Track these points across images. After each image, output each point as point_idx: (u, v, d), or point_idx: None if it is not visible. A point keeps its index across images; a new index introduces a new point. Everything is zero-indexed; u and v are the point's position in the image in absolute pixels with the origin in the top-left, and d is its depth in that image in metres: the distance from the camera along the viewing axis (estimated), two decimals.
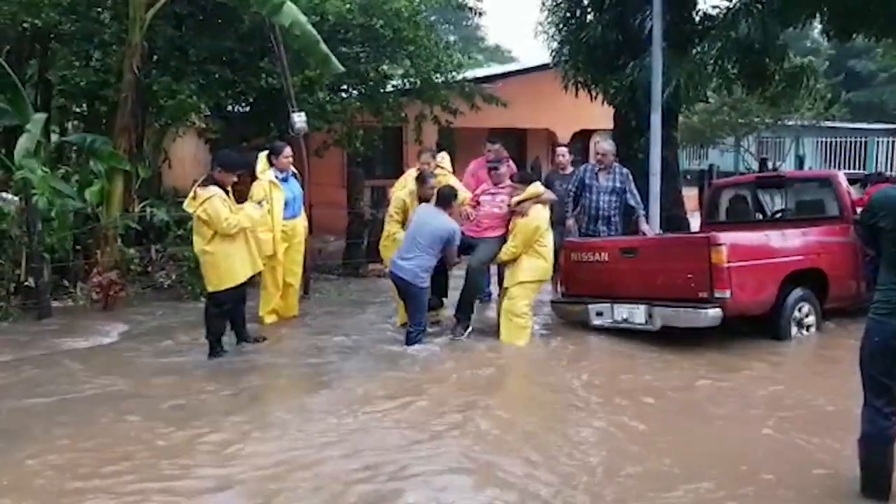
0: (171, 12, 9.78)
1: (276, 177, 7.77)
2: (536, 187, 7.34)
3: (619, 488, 4.09)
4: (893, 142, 23.08)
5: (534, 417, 5.39)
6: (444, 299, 7.95)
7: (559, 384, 6.08)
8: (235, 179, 6.86)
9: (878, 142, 23.66)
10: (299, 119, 9.19)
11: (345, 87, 12.06)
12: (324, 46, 9.00)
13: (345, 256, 11.86)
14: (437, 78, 11.94)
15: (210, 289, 6.82)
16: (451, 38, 12.92)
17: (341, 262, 11.78)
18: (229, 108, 11.50)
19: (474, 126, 13.87)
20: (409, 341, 6.98)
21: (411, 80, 12.14)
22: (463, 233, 7.29)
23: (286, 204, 7.86)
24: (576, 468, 4.34)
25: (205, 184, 6.63)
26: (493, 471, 4.28)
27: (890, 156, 23.16)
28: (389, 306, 8.66)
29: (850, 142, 24.33)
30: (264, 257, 7.52)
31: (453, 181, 8.25)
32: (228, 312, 6.92)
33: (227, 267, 6.70)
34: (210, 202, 6.50)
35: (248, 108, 11.67)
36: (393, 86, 12.55)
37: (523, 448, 4.64)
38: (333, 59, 9.10)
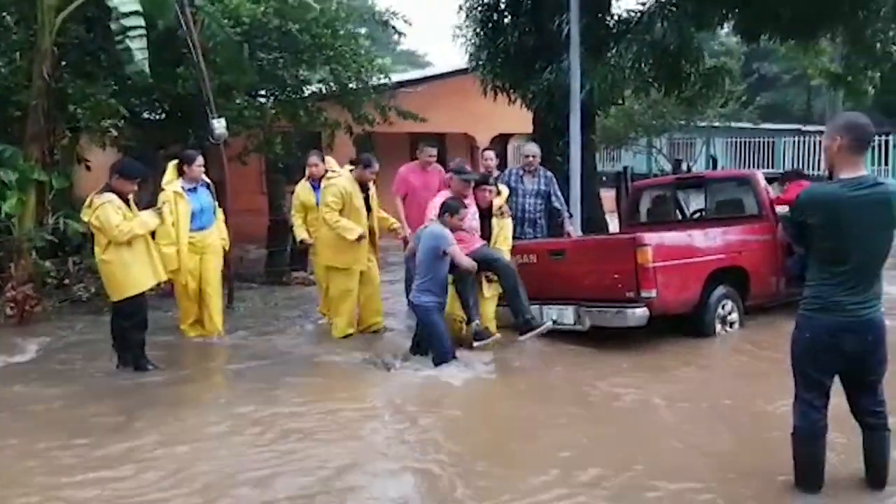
0: (81, 16, 9.41)
1: (184, 187, 7.53)
2: (504, 187, 7.63)
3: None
4: (800, 141, 23.95)
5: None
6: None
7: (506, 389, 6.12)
8: (135, 188, 6.70)
9: (785, 141, 24.51)
10: (219, 125, 8.97)
11: (263, 92, 11.84)
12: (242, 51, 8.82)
13: (267, 264, 11.63)
14: (357, 84, 11.81)
15: (112, 299, 6.63)
16: (366, 43, 12.71)
17: (264, 271, 11.55)
18: (144, 115, 11.16)
19: (392, 131, 13.80)
20: (434, 362, 6.50)
21: (330, 85, 11.99)
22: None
23: (193, 216, 7.58)
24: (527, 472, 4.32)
25: (102, 192, 6.46)
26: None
27: (797, 155, 24.02)
28: (315, 315, 8.66)
29: (759, 142, 25.15)
30: (169, 272, 7.34)
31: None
32: (143, 322, 6.70)
33: (123, 276, 6.50)
34: (102, 208, 6.34)
35: (163, 115, 11.34)
36: (311, 92, 12.37)
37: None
38: (246, 65, 8.95)
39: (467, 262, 6.60)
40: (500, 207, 7.37)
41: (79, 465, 4.51)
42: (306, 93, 12.08)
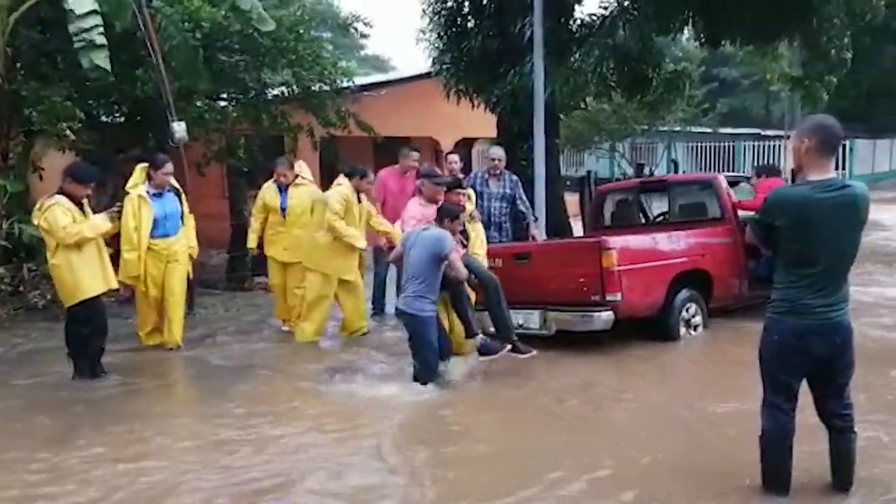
0: (35, 17, 9.21)
1: (149, 192, 7.35)
2: (471, 192, 7.62)
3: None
4: (759, 146, 24.30)
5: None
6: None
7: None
8: (89, 192, 6.59)
9: (744, 146, 24.88)
10: (179, 128, 8.82)
11: (224, 95, 11.69)
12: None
13: (228, 270, 11.48)
14: (321, 87, 11.71)
15: (65, 304, 6.49)
16: (329, 46, 12.63)
17: (225, 276, 11.40)
18: (102, 118, 10.94)
19: (356, 135, 13.71)
20: (416, 378, 6.14)
21: (293, 89, 11.87)
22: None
23: (157, 222, 7.37)
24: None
25: (54, 195, 6.35)
26: None
27: (756, 159, 24.37)
28: (276, 321, 8.63)
29: (719, 146, 25.49)
30: (130, 278, 7.26)
31: (314, 190, 8.26)
32: (102, 328, 6.57)
33: (72, 280, 6.35)
34: (50, 210, 6.22)
35: (122, 118, 11.13)
36: (274, 95, 12.24)
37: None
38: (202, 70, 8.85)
39: (464, 271, 6.31)
40: (472, 212, 7.27)
41: (14, 481, 4.36)
42: (268, 96, 11.94)
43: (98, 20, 8.19)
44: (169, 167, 7.47)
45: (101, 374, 6.52)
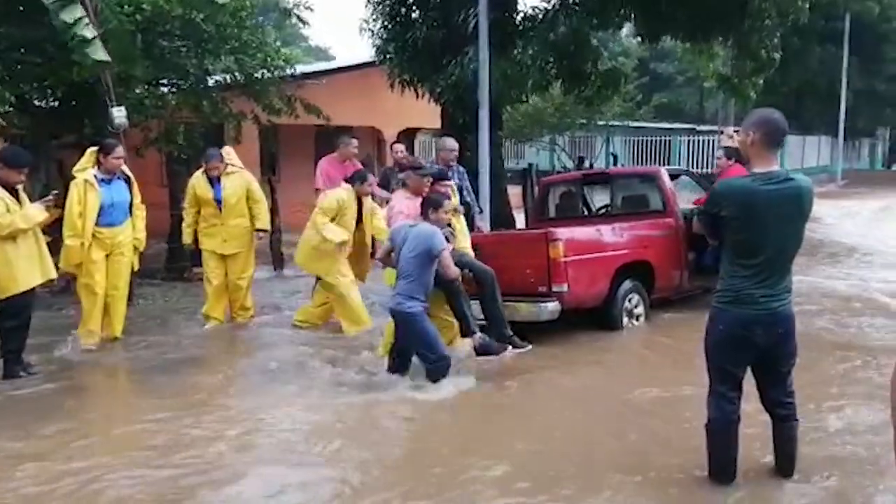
0: None
1: (97, 177, 7.06)
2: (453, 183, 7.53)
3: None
4: (693, 140, 24.83)
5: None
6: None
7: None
8: (23, 178, 6.32)
9: (680, 140, 25.39)
10: (119, 114, 8.57)
11: (164, 81, 11.43)
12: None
13: (168, 260, 11.26)
14: (263, 74, 11.55)
15: None
16: (272, 32, 12.48)
17: (164, 266, 11.17)
18: (36, 102, 10.59)
19: (298, 124, 13.57)
20: (429, 377, 5.85)
21: (235, 75, 11.69)
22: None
23: (102, 209, 7.06)
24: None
25: None
26: None
27: (691, 153, 24.90)
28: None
29: (656, 140, 25.97)
30: (72, 266, 7.01)
31: (247, 177, 8.16)
32: (28, 321, 6.30)
33: (9, 273, 6.07)
34: None
35: (56, 103, 10.79)
36: (215, 81, 12.03)
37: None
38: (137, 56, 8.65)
39: (454, 270, 6.10)
40: (455, 206, 7.02)
41: None
42: (210, 83, 11.73)
43: (81, 11, 7.90)
44: (119, 151, 7.20)
45: (19, 374, 6.21)
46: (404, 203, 6.67)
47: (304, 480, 4.21)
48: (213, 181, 7.99)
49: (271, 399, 5.65)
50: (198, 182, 8.04)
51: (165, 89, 11.44)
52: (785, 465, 4.02)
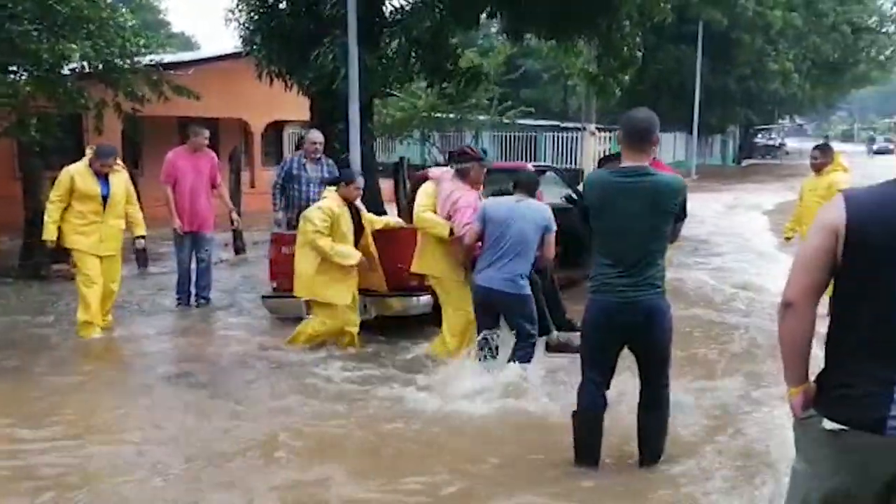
0: None
1: None
2: None
3: None
4: (558, 137, 25.55)
5: None
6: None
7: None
8: None
9: (545, 136, 26.07)
10: None
11: (14, 68, 10.74)
12: None
13: (23, 256, 10.62)
14: (122, 62, 11.05)
15: None
16: (131, 17, 11.93)
17: (18, 263, 10.55)
18: None
19: (162, 115, 13.12)
20: (522, 359, 5.68)
21: (92, 62, 11.12)
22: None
23: None
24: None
25: None
26: None
27: (556, 149, 25.61)
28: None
29: (523, 136, 26.55)
30: None
31: (126, 176, 7.79)
32: None
33: None
34: None
35: None
36: (71, 69, 11.41)
37: None
38: None
39: (550, 258, 5.95)
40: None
41: None
42: (66, 70, 11.11)
43: None
44: None
45: None
46: (471, 196, 6.34)
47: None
48: (102, 177, 7.48)
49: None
50: (81, 176, 7.40)
51: (16, 76, 10.77)
52: (651, 451, 4.18)
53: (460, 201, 6.22)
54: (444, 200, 6.35)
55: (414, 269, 6.61)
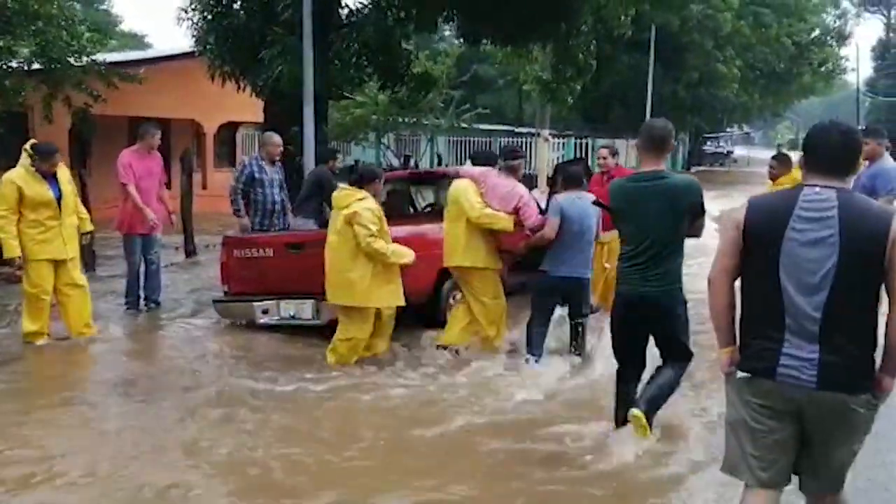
0: None
1: None
2: None
3: None
4: (513, 142, 25.69)
5: None
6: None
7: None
8: None
9: (500, 141, 26.22)
10: None
11: None
12: None
13: None
14: (72, 59, 10.82)
15: None
16: (79, 12, 11.72)
17: None
18: None
19: (114, 114, 12.89)
20: (575, 336, 6.54)
21: (39, 59, 10.87)
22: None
23: None
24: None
25: None
26: None
27: None
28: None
29: (478, 141, 26.69)
30: None
31: (67, 171, 7.40)
32: None
33: None
34: None
35: None
36: (14, 65, 11.14)
37: None
38: None
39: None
40: None
41: None
42: (11, 66, 10.85)
43: None
44: None
45: None
46: (526, 190, 6.77)
47: None
48: (50, 178, 7.04)
49: None
50: (24, 181, 6.88)
51: None
52: (645, 402, 4.46)
53: (525, 195, 6.65)
54: (508, 195, 6.60)
55: (456, 262, 6.80)
